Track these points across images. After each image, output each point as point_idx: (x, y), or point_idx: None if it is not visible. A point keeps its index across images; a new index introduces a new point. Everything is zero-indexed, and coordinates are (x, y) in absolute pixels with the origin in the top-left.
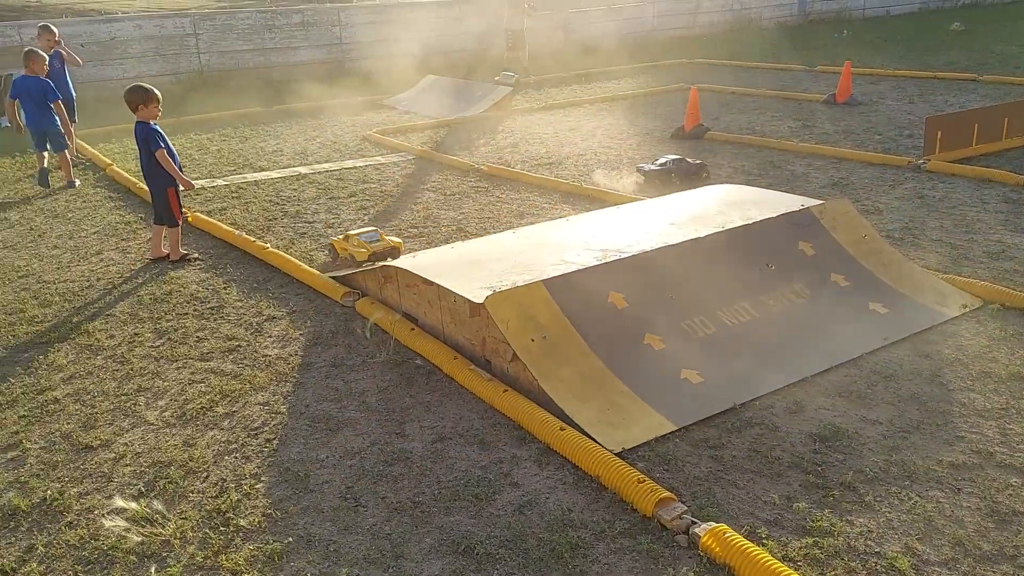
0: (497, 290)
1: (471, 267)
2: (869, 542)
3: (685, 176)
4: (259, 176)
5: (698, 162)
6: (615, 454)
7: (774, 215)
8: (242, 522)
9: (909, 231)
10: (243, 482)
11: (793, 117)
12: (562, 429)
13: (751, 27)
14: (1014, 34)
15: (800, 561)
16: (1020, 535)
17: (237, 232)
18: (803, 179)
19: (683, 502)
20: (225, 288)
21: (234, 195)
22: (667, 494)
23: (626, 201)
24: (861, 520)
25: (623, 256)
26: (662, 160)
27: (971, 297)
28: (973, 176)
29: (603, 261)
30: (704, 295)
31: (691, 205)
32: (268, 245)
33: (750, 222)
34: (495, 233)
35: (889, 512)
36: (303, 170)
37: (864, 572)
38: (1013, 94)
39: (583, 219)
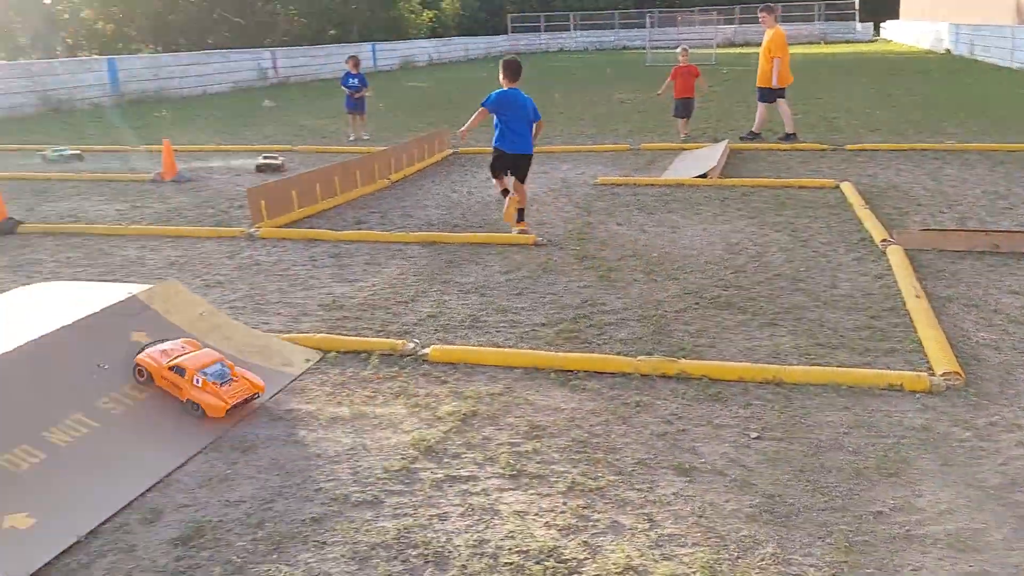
0: None
1: None
2: None
3: None
4: None
5: None
6: None
7: (98, 309)
8: None
9: (251, 298)
10: None
11: (120, 199)
12: None
13: (63, 108)
14: (316, 109)
15: None
16: (380, 568)
17: None
18: (138, 264)
19: None
20: None
21: None
22: None
23: None
24: None
25: None
26: None
27: (312, 351)
28: (300, 238)
29: None
30: (24, 419)
31: None
32: None
33: (70, 323)
34: None
35: None
36: None
37: None
38: (325, 159)
39: None
